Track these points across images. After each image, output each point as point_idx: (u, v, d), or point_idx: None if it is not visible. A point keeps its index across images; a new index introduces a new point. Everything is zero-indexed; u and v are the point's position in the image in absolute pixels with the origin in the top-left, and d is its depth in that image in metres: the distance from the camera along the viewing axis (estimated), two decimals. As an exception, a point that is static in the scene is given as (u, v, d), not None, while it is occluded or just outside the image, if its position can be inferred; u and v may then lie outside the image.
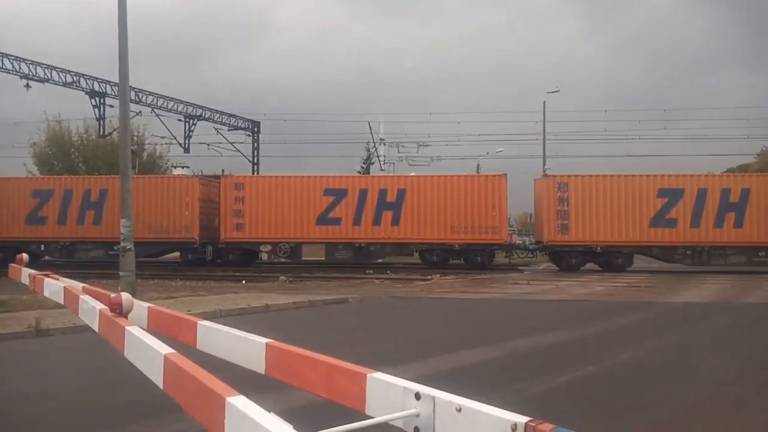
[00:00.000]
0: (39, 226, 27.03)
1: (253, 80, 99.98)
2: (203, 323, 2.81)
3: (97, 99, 28.76)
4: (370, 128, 41.60)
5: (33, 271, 4.79)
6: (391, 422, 1.70)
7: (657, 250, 25.60)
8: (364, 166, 46.49)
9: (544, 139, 37.44)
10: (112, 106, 28.53)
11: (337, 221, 26.05)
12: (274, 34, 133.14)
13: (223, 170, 31.02)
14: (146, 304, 3.31)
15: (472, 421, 1.53)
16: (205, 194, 27.26)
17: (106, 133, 31.32)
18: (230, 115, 35.75)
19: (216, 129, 35.31)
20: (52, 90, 27.85)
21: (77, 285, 4.10)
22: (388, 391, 1.77)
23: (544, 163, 36.65)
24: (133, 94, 27.55)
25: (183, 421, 4.57)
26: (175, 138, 34.34)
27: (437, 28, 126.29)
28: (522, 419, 1.45)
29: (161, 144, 39.51)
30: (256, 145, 37.42)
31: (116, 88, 23.44)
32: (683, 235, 24.86)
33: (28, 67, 26.05)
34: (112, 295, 3.08)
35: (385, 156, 41.84)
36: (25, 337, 9.54)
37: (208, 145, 35.56)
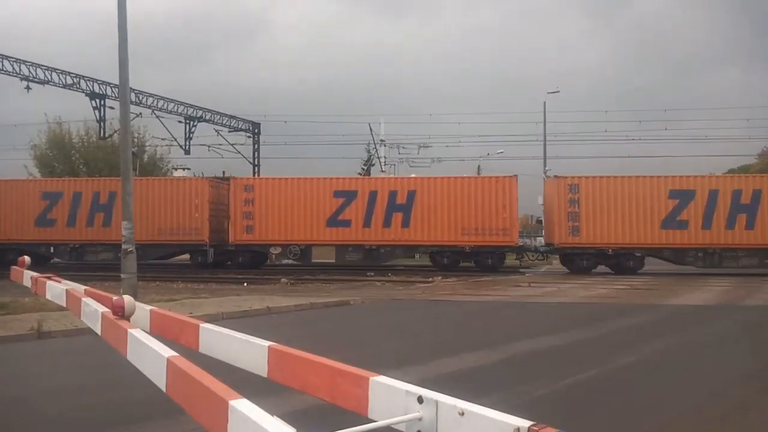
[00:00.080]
0: (48, 228, 27.00)
1: (253, 82, 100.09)
2: (205, 326, 2.82)
3: (98, 101, 28.79)
4: (371, 129, 41.63)
5: (35, 274, 4.79)
6: (393, 426, 1.70)
7: (668, 252, 25.40)
8: (365, 168, 46.49)
9: (544, 140, 37.48)
10: (112, 108, 28.56)
11: (347, 223, 25.97)
12: (274, 35, 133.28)
13: (224, 172, 31.09)
14: (148, 307, 3.31)
15: (475, 426, 1.53)
16: (215, 196, 27.24)
17: (106, 135, 31.35)
18: (231, 117, 35.77)
19: (216, 130, 35.34)
20: (52, 92, 27.91)
21: (79, 288, 4.11)
22: (390, 394, 1.77)
23: (545, 165, 36.70)
24: (133, 95, 27.59)
25: (185, 424, 4.57)
26: (175, 140, 34.39)
27: (437, 28, 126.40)
28: (525, 423, 1.45)
29: (162, 146, 39.57)
30: (256, 146, 37.43)
31: (116, 89, 23.47)
32: (695, 237, 24.68)
33: (29, 69, 26.08)
34: (115, 297, 3.09)
35: (385, 157, 41.84)
36: (26, 339, 9.54)
37: (209, 146, 35.58)
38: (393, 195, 25.89)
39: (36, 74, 26.38)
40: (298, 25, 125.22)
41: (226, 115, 35.47)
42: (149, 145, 41.91)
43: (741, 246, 24.71)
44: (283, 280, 21.41)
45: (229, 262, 27.70)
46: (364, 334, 11.02)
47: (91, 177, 32.75)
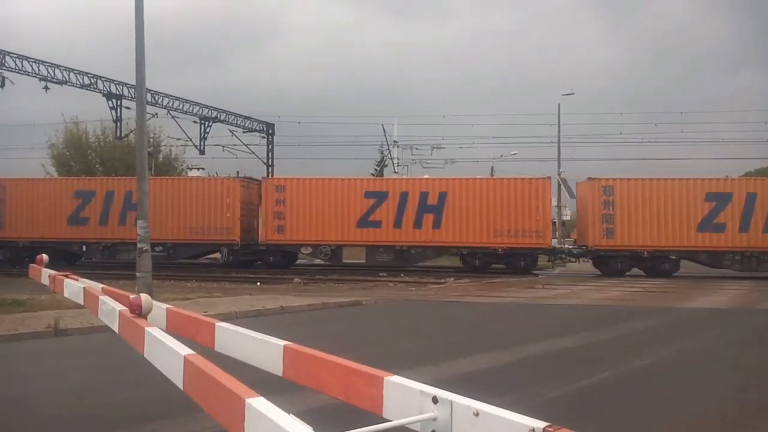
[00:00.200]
0: (81, 226, 27.26)
1: (267, 83, 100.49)
2: (221, 325, 2.84)
3: (114, 101, 29.01)
4: (384, 130, 41.61)
5: (53, 272, 4.85)
6: (408, 426, 1.71)
7: (704, 256, 25.05)
8: (378, 169, 46.52)
9: (558, 142, 37.22)
10: (128, 108, 28.76)
11: (377, 224, 25.95)
12: (288, 37, 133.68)
13: (237, 172, 31.18)
14: (165, 306, 3.34)
15: (490, 426, 1.54)
16: (246, 196, 27.40)
17: (122, 135, 31.56)
18: (245, 117, 35.91)
19: (231, 131, 35.48)
20: (70, 92, 28.16)
21: (96, 286, 4.16)
22: (405, 394, 1.78)
23: (559, 166, 36.46)
24: (149, 96, 27.78)
25: (202, 422, 4.61)
26: (190, 140, 34.56)
27: (450, 30, 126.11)
28: (540, 424, 1.45)
29: (177, 146, 39.75)
30: (270, 146, 37.53)
31: (133, 90, 23.68)
32: (732, 240, 24.33)
33: (47, 70, 26.36)
34: (132, 296, 3.12)
35: (398, 158, 41.82)
36: (44, 336, 9.66)
37: (223, 146, 35.73)
38: (424, 196, 25.83)
39: (54, 75, 26.66)
40: (312, 27, 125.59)
41: (240, 116, 35.61)
42: (164, 145, 42.24)
43: None
44: (296, 279, 21.48)
45: (258, 262, 27.87)
46: (377, 334, 11.04)
47: (125, 176, 32.96)
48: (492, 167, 41.83)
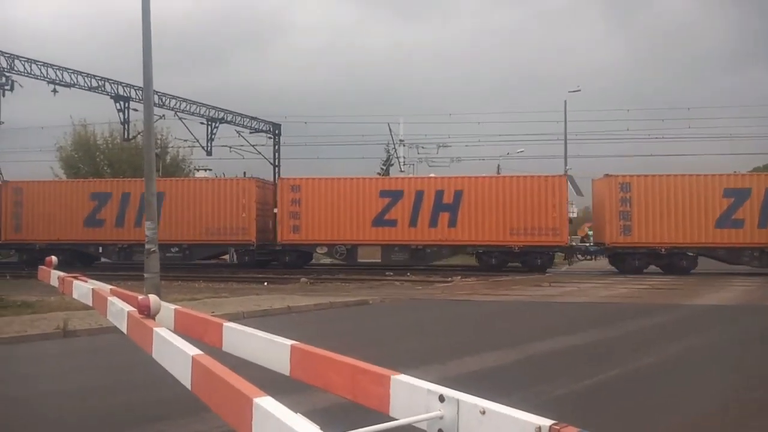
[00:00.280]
0: (97, 228, 27.43)
1: (273, 83, 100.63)
2: (229, 325, 2.86)
3: (122, 103, 29.13)
4: (390, 130, 41.58)
5: (62, 274, 4.89)
6: (415, 424, 1.72)
7: (723, 252, 24.87)
8: (384, 168, 46.51)
9: (565, 139, 37.07)
10: (136, 110, 28.87)
11: (393, 223, 25.94)
12: (293, 38, 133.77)
13: (245, 173, 31.26)
14: (173, 306, 3.36)
15: (496, 424, 1.54)
16: (261, 196, 27.50)
17: (130, 137, 31.67)
18: (251, 118, 35.96)
19: (237, 131, 35.55)
20: (78, 95, 28.29)
21: (105, 287, 4.19)
22: (412, 393, 1.79)
23: (566, 163, 36.33)
24: (156, 98, 27.83)
25: (210, 421, 4.64)
26: (197, 141, 34.62)
27: (455, 29, 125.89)
28: (546, 422, 1.46)
29: (184, 147, 39.89)
30: (277, 147, 37.58)
31: (140, 92, 23.77)
32: (750, 237, 24.13)
33: (55, 73, 26.50)
34: (140, 297, 3.14)
35: (404, 157, 41.77)
36: (53, 338, 9.72)
37: (230, 147, 35.81)
38: (440, 195, 25.79)
39: (62, 77, 26.80)
40: (315, 27, 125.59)
41: (247, 117, 35.67)
42: (172, 147, 42.37)
43: None
44: (303, 279, 21.52)
45: (274, 262, 27.94)
46: (384, 334, 11.05)
47: (141, 178, 33.14)
48: (498, 165, 41.76)
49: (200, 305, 12.91)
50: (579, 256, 29.23)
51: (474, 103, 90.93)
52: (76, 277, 4.65)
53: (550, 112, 53.50)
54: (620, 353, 8.68)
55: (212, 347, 2.78)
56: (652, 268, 25.38)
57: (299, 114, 72.66)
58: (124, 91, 29.00)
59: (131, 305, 3.31)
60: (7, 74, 24.32)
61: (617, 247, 25.20)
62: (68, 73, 27.08)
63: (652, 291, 18.26)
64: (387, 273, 24.36)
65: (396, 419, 1.77)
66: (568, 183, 26.47)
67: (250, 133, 36.20)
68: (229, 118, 34.57)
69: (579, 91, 39.54)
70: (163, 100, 30.77)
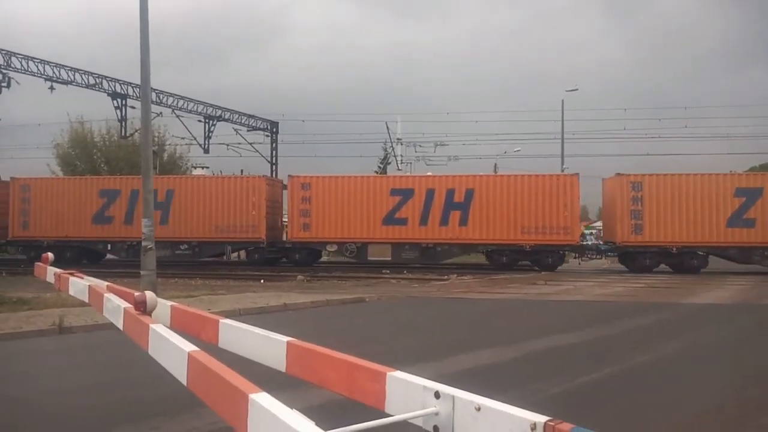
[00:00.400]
0: (106, 225, 27.37)
1: (271, 82, 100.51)
2: (225, 321, 2.86)
3: (119, 100, 29.11)
4: (387, 128, 41.59)
5: (58, 270, 4.87)
6: (410, 420, 1.72)
7: (734, 251, 24.94)
8: (381, 166, 46.50)
9: (562, 138, 37.16)
10: (133, 108, 28.85)
11: (403, 221, 25.93)
12: (292, 37, 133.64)
13: (242, 170, 31.28)
14: (169, 303, 3.36)
15: (491, 421, 1.55)
16: (270, 194, 27.46)
17: (127, 134, 31.69)
18: (249, 116, 35.96)
19: (235, 129, 35.55)
20: (75, 92, 28.27)
21: (101, 284, 4.18)
22: (407, 389, 1.79)
23: (563, 162, 36.41)
24: (154, 95, 27.85)
25: (206, 417, 4.64)
26: (195, 139, 34.65)
27: (455, 29, 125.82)
28: (541, 419, 1.46)
29: (181, 144, 39.93)
30: (274, 145, 37.59)
31: (138, 89, 23.72)
32: (762, 236, 24.17)
33: (52, 70, 26.46)
34: (136, 293, 3.14)
35: (402, 156, 41.80)
36: (48, 334, 9.70)
37: (228, 145, 35.81)
38: (450, 193, 25.78)
39: (59, 75, 26.76)
40: (314, 27, 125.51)
41: (244, 115, 35.67)
42: (169, 144, 42.33)
43: None
44: (300, 277, 21.51)
45: (283, 259, 27.93)
46: (380, 331, 11.06)
47: (153, 176, 32.97)
48: (495, 164, 41.81)
49: (197, 302, 12.92)
50: (589, 255, 29.27)
51: (472, 102, 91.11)
52: (72, 274, 4.63)
53: (548, 111, 53.64)
54: (616, 351, 8.70)
55: (208, 344, 2.78)
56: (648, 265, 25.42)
57: (297, 112, 72.58)
58: (122, 88, 28.97)
59: (127, 302, 3.30)
60: (4, 71, 24.26)
61: (628, 246, 25.24)
62: (65, 70, 27.03)
63: (648, 289, 18.31)
64: (383, 271, 24.37)
65: (392, 415, 1.77)
66: None
67: (248, 131, 36.21)
68: (226, 116, 34.57)
69: (576, 90, 39.62)
70: (161, 97, 30.74)
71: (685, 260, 24.88)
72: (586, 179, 28.82)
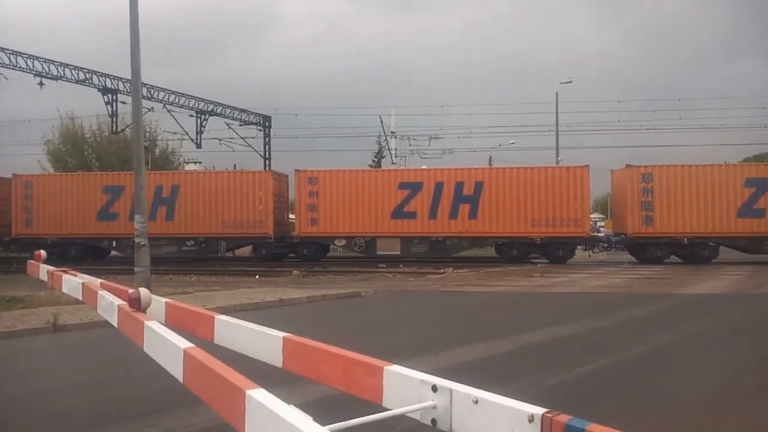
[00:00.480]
0: (110, 222, 27.22)
1: (263, 75, 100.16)
2: (220, 318, 2.84)
3: (110, 96, 28.94)
4: (381, 122, 41.54)
5: (51, 268, 4.84)
6: (408, 414, 1.71)
7: (744, 241, 25.09)
8: (375, 160, 46.46)
9: (557, 131, 37.22)
10: (124, 103, 28.70)
11: (412, 215, 25.89)
12: (284, 30, 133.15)
13: (235, 165, 31.18)
14: (164, 299, 3.34)
15: (489, 413, 1.54)
16: (277, 189, 27.41)
17: (118, 130, 31.54)
18: (241, 110, 35.82)
19: (227, 124, 35.40)
20: (65, 87, 28.08)
21: (95, 281, 4.15)
22: (404, 383, 1.79)
23: (557, 155, 36.49)
24: (145, 90, 27.71)
25: (202, 414, 4.63)
26: (187, 134, 34.47)
27: (448, 21, 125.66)
28: (539, 410, 1.46)
29: (173, 140, 39.70)
30: (267, 139, 37.47)
31: (128, 84, 23.57)
32: None
33: (42, 65, 26.27)
34: (130, 290, 3.12)
35: (396, 149, 41.76)
36: (43, 332, 9.66)
37: (220, 140, 35.67)
38: (460, 186, 25.75)
39: (49, 70, 26.57)
40: (306, 19, 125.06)
41: (237, 109, 35.52)
42: (161, 140, 42.15)
43: None
44: (295, 272, 21.50)
45: (291, 254, 27.89)
46: (376, 325, 11.07)
47: (158, 171, 32.81)
48: (490, 157, 41.86)
49: (192, 299, 12.89)
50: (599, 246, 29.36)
51: (465, 94, 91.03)
52: (65, 272, 4.60)
53: (542, 103, 53.65)
54: (612, 342, 8.74)
55: (204, 340, 2.76)
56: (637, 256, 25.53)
57: (290, 106, 72.38)
58: (112, 83, 28.80)
59: (121, 299, 3.28)
60: (-7, 67, 24.07)
61: (639, 237, 25.33)
62: (55, 65, 26.84)
63: (643, 281, 18.40)
64: (379, 265, 24.38)
65: (389, 409, 1.76)
66: None
67: (240, 125, 36.06)
68: (218, 111, 34.42)
69: (571, 82, 39.68)
70: (152, 92, 30.58)
71: (696, 251, 25.01)
72: (608, 171, 28.74)
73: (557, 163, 33.49)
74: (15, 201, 27.92)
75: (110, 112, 29.53)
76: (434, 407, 1.67)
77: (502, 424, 1.52)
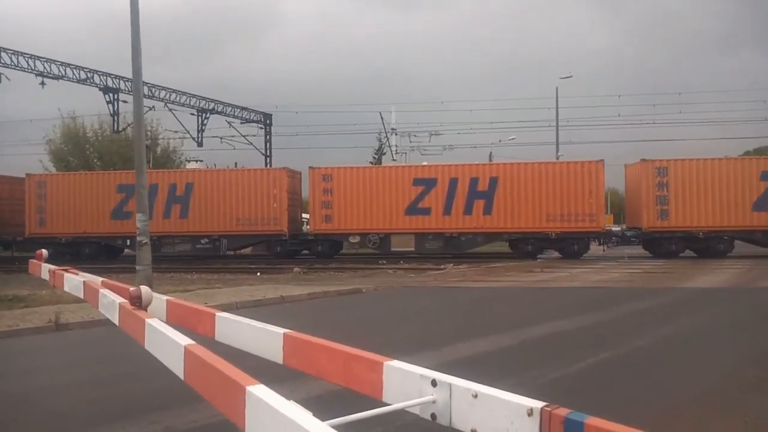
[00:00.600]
0: (124, 221, 27.08)
1: (264, 73, 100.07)
2: (221, 315, 2.85)
3: (111, 95, 28.97)
4: (382, 118, 41.49)
5: (53, 267, 4.85)
6: (408, 409, 1.72)
7: (760, 235, 24.96)
8: (376, 157, 46.44)
9: (557, 126, 37.18)
10: (125, 102, 28.73)
11: (426, 211, 25.87)
12: (284, 27, 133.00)
13: (236, 163, 31.18)
14: (165, 297, 3.35)
15: (488, 407, 1.55)
16: (291, 186, 27.43)
17: (120, 129, 31.55)
18: (242, 108, 35.84)
19: (228, 122, 35.43)
20: (66, 87, 28.11)
21: (96, 279, 4.16)
22: (404, 378, 1.79)
23: (557, 150, 36.46)
24: (146, 89, 27.70)
25: (203, 411, 4.65)
26: (188, 132, 34.53)
27: (448, 17, 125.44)
28: (538, 404, 1.46)
29: (175, 138, 39.72)
30: (268, 137, 37.48)
31: (130, 83, 23.60)
32: None
33: (43, 65, 26.29)
34: (131, 288, 3.13)
35: (396, 146, 41.71)
36: (45, 331, 9.68)
37: (221, 138, 35.68)
38: (474, 182, 25.71)
39: (50, 70, 26.59)
40: (306, 16, 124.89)
41: (238, 107, 35.54)
42: (162, 138, 42.14)
43: None
44: (296, 269, 21.52)
45: (305, 251, 27.95)
46: (377, 321, 11.08)
47: (173, 169, 32.82)
48: (491, 153, 41.81)
49: (193, 296, 12.90)
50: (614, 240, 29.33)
51: (465, 91, 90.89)
52: (67, 270, 4.62)
53: (542, 99, 53.59)
54: (613, 337, 8.75)
55: (205, 337, 2.77)
56: (642, 252, 25.46)
57: (291, 104, 72.29)
58: (113, 82, 28.82)
59: (123, 297, 3.29)
60: (-6, 67, 24.09)
61: (654, 232, 25.26)
62: (56, 65, 26.87)
63: (644, 275, 18.40)
64: (380, 261, 24.40)
65: (389, 404, 1.77)
66: None
67: (241, 123, 36.09)
68: (219, 109, 34.45)
69: (571, 77, 39.59)
70: (153, 91, 30.60)
71: (711, 245, 24.96)
72: (622, 166, 28.63)
73: (557, 158, 33.45)
74: (28, 200, 27.92)
75: (111, 111, 29.57)
76: (434, 402, 1.68)
77: (501, 417, 1.52)
